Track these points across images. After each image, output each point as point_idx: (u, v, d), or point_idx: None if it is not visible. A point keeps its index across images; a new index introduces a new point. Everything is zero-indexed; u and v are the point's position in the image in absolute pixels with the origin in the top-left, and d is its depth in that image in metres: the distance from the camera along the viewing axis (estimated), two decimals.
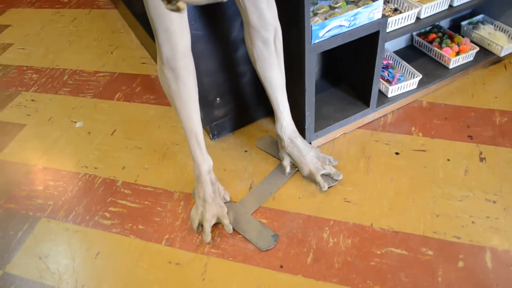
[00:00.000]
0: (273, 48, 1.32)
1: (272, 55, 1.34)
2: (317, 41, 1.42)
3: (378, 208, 1.55)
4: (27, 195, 1.86)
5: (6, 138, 2.19)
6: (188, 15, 1.48)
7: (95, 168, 1.92)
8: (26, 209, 1.80)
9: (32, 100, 2.41)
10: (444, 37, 2.06)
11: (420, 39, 2.08)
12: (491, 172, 1.61)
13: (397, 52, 2.08)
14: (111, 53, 2.68)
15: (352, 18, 1.43)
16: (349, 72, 1.86)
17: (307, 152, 1.62)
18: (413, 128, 1.82)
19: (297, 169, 1.68)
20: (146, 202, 1.72)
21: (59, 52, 2.78)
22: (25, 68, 2.70)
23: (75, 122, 2.20)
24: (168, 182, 1.78)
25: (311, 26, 1.37)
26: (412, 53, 2.09)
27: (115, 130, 2.09)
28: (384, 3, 1.72)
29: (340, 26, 1.43)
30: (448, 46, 1.99)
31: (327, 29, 1.40)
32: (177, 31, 1.16)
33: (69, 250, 1.62)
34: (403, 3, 1.67)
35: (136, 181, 1.82)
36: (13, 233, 1.72)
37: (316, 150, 1.66)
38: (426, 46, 2.05)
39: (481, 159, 1.66)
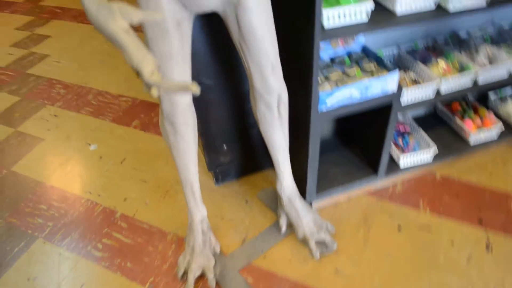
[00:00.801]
0: (276, 112, 1.31)
1: (274, 119, 1.32)
2: (324, 109, 1.39)
3: (369, 284, 1.48)
4: (30, 212, 1.89)
5: (23, 150, 2.25)
6: (200, 64, 1.49)
7: (99, 195, 1.94)
8: (27, 226, 1.83)
9: (55, 116, 2.48)
10: (468, 108, 1.99)
11: (442, 108, 2.02)
12: (496, 263, 1.52)
13: (417, 118, 2.02)
14: (137, 78, 2.73)
15: (364, 88, 1.40)
16: (361, 135, 1.81)
17: (304, 214, 1.58)
18: (421, 202, 1.75)
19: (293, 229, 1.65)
20: (139, 240, 1.71)
21: (90, 70, 2.87)
22: (55, 82, 2.79)
23: (90, 145, 2.24)
24: (164, 222, 1.77)
25: (319, 93, 1.35)
26: (433, 121, 2.03)
27: (125, 159, 2.12)
28: (404, 70, 1.68)
29: (351, 95, 1.40)
30: (471, 119, 1.92)
31: (336, 97, 1.38)
32: None
33: (57, 276, 1.63)
34: (423, 74, 1.63)
35: (134, 215, 1.82)
36: (9, 249, 1.75)
37: (315, 213, 1.62)
38: (448, 116, 1.99)
39: (487, 247, 1.57)
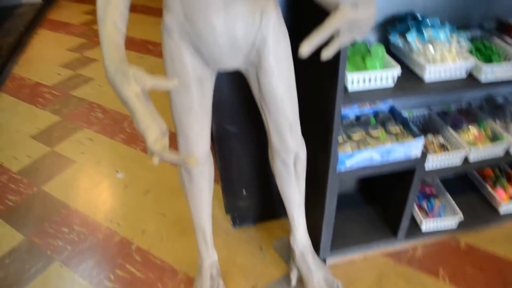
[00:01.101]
0: (292, 170, 1.30)
1: (291, 176, 1.32)
2: (343, 169, 1.37)
3: None
4: (52, 233, 1.96)
5: (56, 170, 2.35)
6: (225, 112, 1.52)
7: (118, 224, 1.98)
8: (47, 247, 1.89)
9: (90, 139, 2.58)
10: (501, 175, 1.91)
11: (473, 172, 1.95)
12: None
13: (445, 180, 1.95)
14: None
15: (385, 152, 1.38)
16: (383, 195, 1.77)
17: (315, 271, 1.54)
18: (441, 270, 1.68)
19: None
20: (150, 275, 1.72)
21: None
22: (95, 105, 2.91)
23: (118, 172, 2.30)
24: (177, 259, 1.78)
25: (339, 154, 1.34)
26: (462, 184, 1.96)
27: (149, 190, 2.16)
28: (433, 133, 1.64)
29: (371, 158, 1.38)
30: (503, 188, 1.84)
31: (355, 159, 1.36)
32: (195, 139, 1.19)
33: None
34: (452, 140, 1.58)
35: (149, 249, 1.84)
36: (28, 267, 1.80)
37: (327, 271, 1.58)
38: (479, 181, 1.91)
39: None
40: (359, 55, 1.34)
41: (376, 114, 1.55)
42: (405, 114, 1.68)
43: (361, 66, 1.30)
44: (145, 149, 2.46)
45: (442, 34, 1.35)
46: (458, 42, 1.37)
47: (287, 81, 1.13)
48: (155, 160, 0.85)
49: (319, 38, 0.69)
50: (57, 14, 4.67)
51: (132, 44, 3.78)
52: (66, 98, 3.03)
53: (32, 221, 2.03)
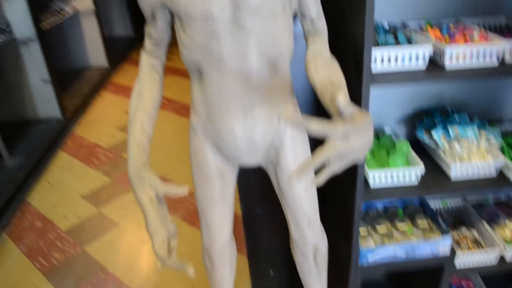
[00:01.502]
0: (312, 262, 1.31)
1: (311, 268, 1.32)
2: (365, 264, 1.36)
3: None
4: None
5: (99, 232, 2.47)
6: (253, 194, 1.56)
7: None
8: None
9: (134, 203, 2.69)
10: None
11: None
12: None
13: (486, 278, 1.84)
14: None
15: (410, 249, 1.35)
16: (412, 287, 1.70)
17: None
18: None
19: None
20: None
21: (176, 163, 3.11)
22: None
23: None
24: None
25: (361, 248, 1.33)
26: (508, 282, 1.84)
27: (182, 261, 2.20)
28: (467, 226, 1.59)
29: (395, 254, 1.35)
30: None
31: (378, 255, 1.34)
32: (216, 225, 1.24)
33: None
34: (487, 236, 1.52)
35: None
36: None
37: None
38: None
39: None
40: (384, 149, 1.36)
41: (405, 206, 1.54)
42: (438, 203, 1.65)
43: (385, 161, 1.32)
44: (185, 217, 2.54)
45: (470, 131, 1.35)
46: (488, 139, 1.36)
47: (306, 179, 1.16)
48: (159, 264, 0.90)
49: (308, 168, 0.73)
50: (121, 77, 5.05)
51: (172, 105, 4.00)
52: (117, 160, 3.23)
53: (71, 281, 2.13)
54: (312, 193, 1.20)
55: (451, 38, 1.18)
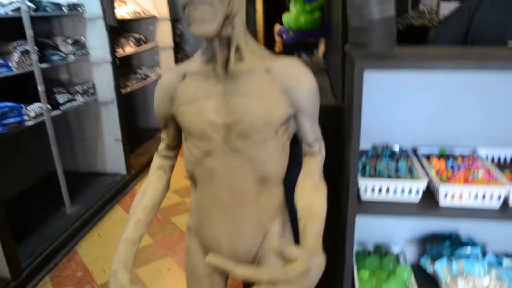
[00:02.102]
0: None
1: None
2: None
3: None
4: None
5: None
6: None
7: None
8: None
9: (168, 269, 2.80)
10: None
11: None
12: None
13: None
14: None
15: None
16: None
17: None
18: None
19: None
20: None
21: None
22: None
23: None
24: None
25: None
26: None
27: None
28: None
29: None
30: None
31: None
32: None
33: None
34: None
35: None
36: None
37: None
38: None
39: None
40: (386, 271, 1.34)
41: None
42: None
43: (382, 285, 1.29)
44: None
45: (478, 268, 1.29)
46: (499, 279, 1.29)
47: None
48: None
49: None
50: None
51: None
52: (165, 223, 3.39)
53: None
54: None
55: (453, 173, 1.18)
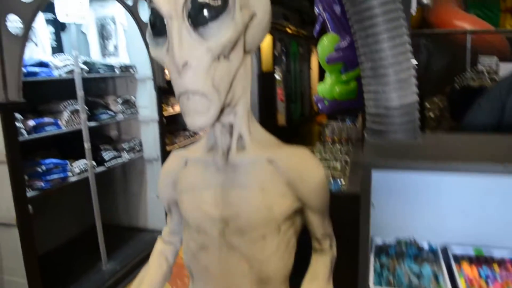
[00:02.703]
0: None
1: None
2: None
3: None
4: None
5: None
6: None
7: None
8: None
9: None
10: None
11: None
12: None
13: None
14: None
15: None
16: None
17: None
18: None
19: None
20: None
21: None
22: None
23: None
24: None
25: None
26: None
27: None
28: None
29: None
30: None
31: None
32: None
33: None
34: None
35: None
36: None
37: None
38: None
39: None
40: None
41: None
42: None
43: None
44: None
45: None
46: None
47: None
48: None
49: None
50: None
51: None
52: None
53: None
54: None
55: (488, 286, 1.01)
